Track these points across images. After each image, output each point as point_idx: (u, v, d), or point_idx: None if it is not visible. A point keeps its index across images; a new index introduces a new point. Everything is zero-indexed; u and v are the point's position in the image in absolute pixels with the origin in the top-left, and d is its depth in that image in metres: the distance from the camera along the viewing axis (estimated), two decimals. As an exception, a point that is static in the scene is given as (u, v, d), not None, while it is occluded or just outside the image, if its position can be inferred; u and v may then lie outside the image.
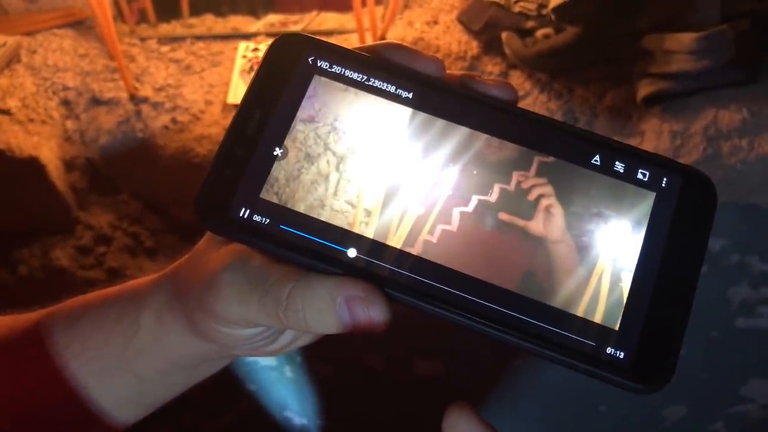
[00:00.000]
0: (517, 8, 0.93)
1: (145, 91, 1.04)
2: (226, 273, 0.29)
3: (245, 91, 0.29)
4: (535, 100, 0.93)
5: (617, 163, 0.28)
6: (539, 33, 0.91)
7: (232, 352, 0.34)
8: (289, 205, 0.28)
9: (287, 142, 0.29)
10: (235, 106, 1.01)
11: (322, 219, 0.28)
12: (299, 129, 0.29)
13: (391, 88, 0.29)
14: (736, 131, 0.83)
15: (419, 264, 0.27)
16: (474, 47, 0.99)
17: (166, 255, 1.05)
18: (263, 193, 0.28)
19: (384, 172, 0.29)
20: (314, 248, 0.28)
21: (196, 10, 1.14)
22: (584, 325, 0.26)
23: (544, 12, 0.89)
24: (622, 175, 0.28)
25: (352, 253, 0.28)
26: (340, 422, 1.08)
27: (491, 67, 0.98)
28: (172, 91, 1.04)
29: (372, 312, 0.27)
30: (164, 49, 1.09)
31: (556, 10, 0.84)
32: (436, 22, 1.04)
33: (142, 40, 1.11)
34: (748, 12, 0.81)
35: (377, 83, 0.29)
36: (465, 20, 0.99)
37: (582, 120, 0.91)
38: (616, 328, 0.26)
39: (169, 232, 1.05)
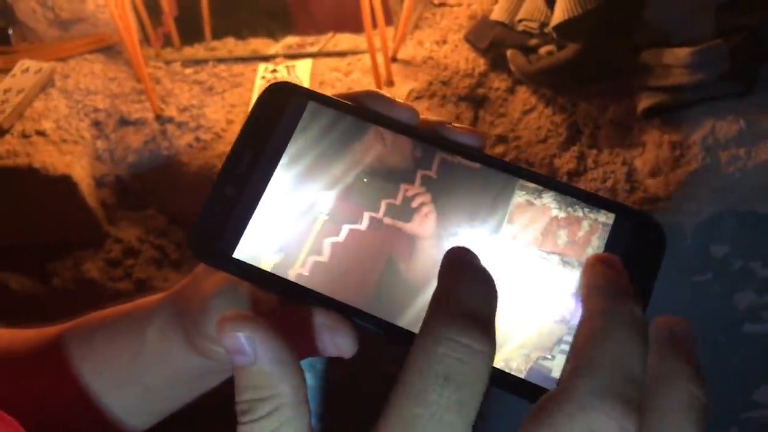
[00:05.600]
0: (520, 27, 0.96)
1: (170, 111, 1.07)
2: (217, 299, 0.32)
3: (237, 135, 0.31)
4: (540, 114, 0.96)
5: (575, 206, 0.29)
6: (542, 50, 0.94)
7: (229, 367, 0.38)
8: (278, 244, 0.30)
9: (273, 182, 0.31)
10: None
11: (316, 263, 0.30)
12: (285, 170, 0.31)
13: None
14: (734, 141, 0.85)
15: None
16: (481, 64, 1.02)
17: (191, 266, 1.07)
18: (250, 228, 0.30)
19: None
20: (290, 281, 0.30)
21: (218, 34, 1.17)
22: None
23: (546, 30, 0.92)
24: (584, 217, 0.29)
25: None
26: (357, 429, 1.11)
27: (498, 83, 1.01)
28: (195, 111, 1.07)
29: (339, 340, 0.29)
30: (188, 71, 1.13)
31: (557, 27, 0.87)
32: (444, 42, 1.08)
33: (167, 63, 1.14)
34: (741, 26, 0.84)
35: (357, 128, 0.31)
36: (472, 39, 1.02)
37: (586, 132, 0.94)
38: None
39: (190, 231, 1.08)
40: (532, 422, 0.21)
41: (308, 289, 0.29)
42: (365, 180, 0.30)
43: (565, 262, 0.28)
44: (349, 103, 0.32)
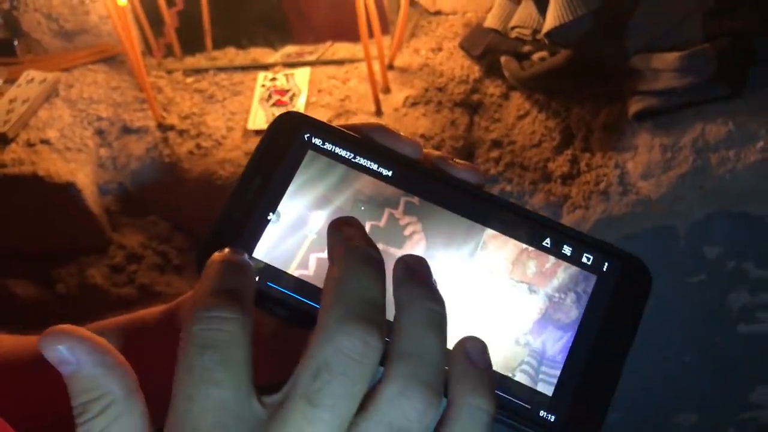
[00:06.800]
0: (513, 34, 0.98)
1: (172, 119, 1.09)
2: None
3: (248, 160, 0.32)
4: (534, 119, 0.98)
5: (564, 246, 0.31)
6: (535, 56, 0.96)
7: None
8: (275, 265, 0.31)
9: (280, 208, 0.32)
10: (255, 131, 1.07)
11: (303, 278, 0.31)
12: (291, 197, 0.32)
13: (373, 166, 0.33)
14: (723, 143, 0.86)
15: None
16: (476, 71, 1.04)
17: (193, 272, 1.09)
18: (255, 252, 0.31)
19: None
20: (294, 304, 0.31)
21: (219, 44, 1.20)
22: (524, 390, 0.30)
23: (538, 36, 0.94)
24: (567, 257, 0.31)
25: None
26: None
27: (492, 89, 1.03)
28: (196, 119, 1.09)
29: None
30: (189, 80, 1.15)
31: (549, 34, 0.89)
32: (440, 49, 1.09)
33: (169, 72, 1.16)
34: (728, 31, 0.85)
35: (361, 161, 0.33)
36: (467, 46, 1.04)
37: (578, 136, 0.95)
38: (550, 395, 0.29)
39: (196, 250, 1.10)
40: (300, 364, 0.24)
41: (311, 314, 0.30)
42: (362, 208, 0.32)
43: (531, 291, 0.31)
44: (355, 135, 0.33)
